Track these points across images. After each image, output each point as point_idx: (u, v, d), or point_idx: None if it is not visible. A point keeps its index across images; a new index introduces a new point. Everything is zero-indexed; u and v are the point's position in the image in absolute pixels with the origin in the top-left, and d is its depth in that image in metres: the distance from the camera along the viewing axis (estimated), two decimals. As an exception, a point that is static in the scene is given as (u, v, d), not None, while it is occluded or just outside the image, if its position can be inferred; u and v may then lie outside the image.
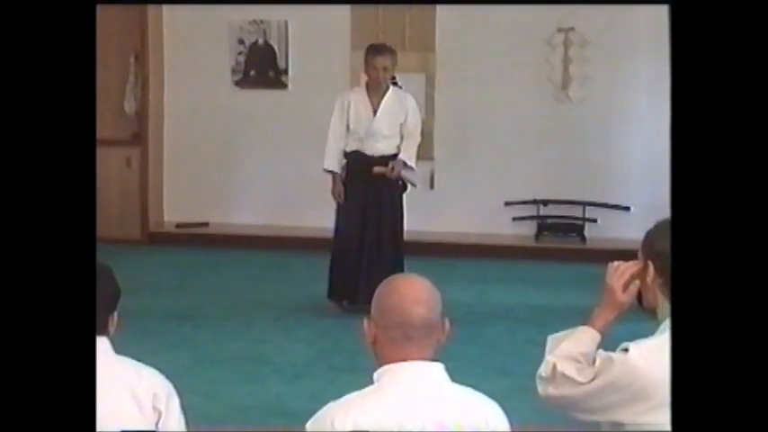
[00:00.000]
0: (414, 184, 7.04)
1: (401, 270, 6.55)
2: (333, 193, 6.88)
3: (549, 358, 2.73)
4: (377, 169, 6.78)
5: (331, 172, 6.86)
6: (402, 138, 6.86)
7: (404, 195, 7.02)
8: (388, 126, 6.83)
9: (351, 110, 6.82)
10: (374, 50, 6.83)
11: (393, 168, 6.79)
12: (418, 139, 6.97)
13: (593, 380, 2.63)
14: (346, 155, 6.86)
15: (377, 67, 6.71)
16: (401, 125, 6.86)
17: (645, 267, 2.72)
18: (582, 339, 2.76)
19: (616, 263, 2.78)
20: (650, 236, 2.74)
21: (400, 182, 6.95)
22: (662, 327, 2.67)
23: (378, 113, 6.80)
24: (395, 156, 6.84)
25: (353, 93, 6.96)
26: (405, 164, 6.85)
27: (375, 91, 6.82)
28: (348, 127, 6.81)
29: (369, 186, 6.81)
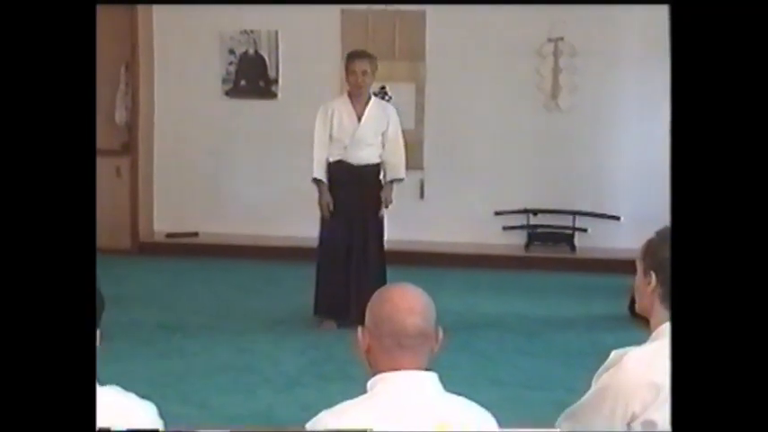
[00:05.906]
0: (386, 205, 6.97)
1: (384, 280, 6.56)
2: (320, 203, 6.86)
3: None
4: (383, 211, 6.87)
5: (319, 182, 6.86)
6: (383, 147, 6.89)
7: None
8: (373, 134, 6.85)
9: (334, 118, 6.81)
10: (353, 55, 6.87)
11: (386, 200, 6.88)
12: (402, 147, 6.97)
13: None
14: (329, 165, 6.86)
15: (356, 71, 6.73)
16: (383, 134, 6.88)
17: (644, 276, 2.71)
18: None
19: None
20: (653, 245, 2.68)
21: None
22: (654, 335, 2.67)
23: (362, 121, 6.81)
24: (378, 165, 6.87)
25: (336, 101, 6.95)
26: (392, 182, 6.91)
27: (357, 99, 6.83)
28: (331, 136, 6.82)
29: (353, 195, 6.80)
